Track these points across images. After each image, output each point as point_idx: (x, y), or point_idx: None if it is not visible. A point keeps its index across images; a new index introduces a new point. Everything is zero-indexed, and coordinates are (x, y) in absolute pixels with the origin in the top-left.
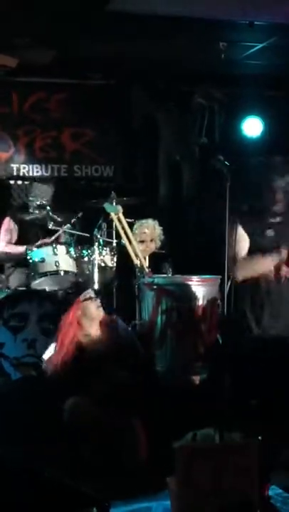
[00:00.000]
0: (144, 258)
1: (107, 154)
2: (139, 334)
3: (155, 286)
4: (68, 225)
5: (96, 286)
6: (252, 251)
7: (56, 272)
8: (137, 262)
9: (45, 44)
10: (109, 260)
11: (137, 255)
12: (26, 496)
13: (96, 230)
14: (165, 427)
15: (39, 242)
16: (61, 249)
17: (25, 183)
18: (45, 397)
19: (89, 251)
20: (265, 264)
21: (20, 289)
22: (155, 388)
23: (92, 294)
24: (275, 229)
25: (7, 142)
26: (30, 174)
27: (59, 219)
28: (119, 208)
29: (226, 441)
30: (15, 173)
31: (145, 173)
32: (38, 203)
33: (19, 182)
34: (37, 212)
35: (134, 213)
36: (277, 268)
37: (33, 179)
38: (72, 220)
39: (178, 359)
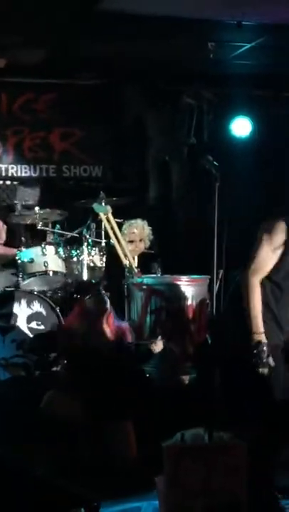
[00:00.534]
0: (133, 258)
1: (96, 154)
2: None
3: (144, 286)
4: (57, 225)
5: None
6: None
7: (45, 273)
8: (126, 262)
9: (34, 44)
10: (99, 260)
11: (126, 255)
12: (14, 496)
13: (85, 230)
14: (154, 427)
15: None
16: (50, 249)
17: (14, 183)
18: (34, 398)
19: (78, 251)
20: None
21: (9, 289)
22: (145, 387)
23: (93, 290)
24: None
25: None
26: (19, 174)
27: (48, 219)
28: (108, 208)
29: (214, 441)
30: (3, 174)
31: (134, 173)
32: (24, 203)
33: (8, 182)
34: (26, 212)
35: (123, 213)
36: None
37: (18, 181)
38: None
39: (167, 359)
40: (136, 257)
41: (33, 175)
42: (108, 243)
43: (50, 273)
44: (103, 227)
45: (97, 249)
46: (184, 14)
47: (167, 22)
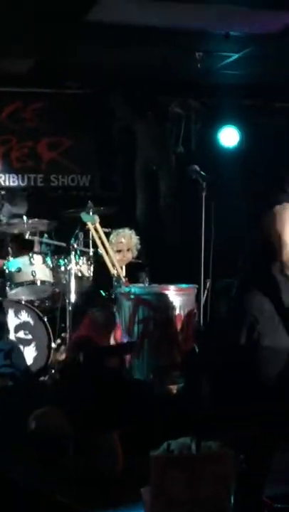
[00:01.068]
0: (121, 267)
1: (84, 164)
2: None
3: (132, 296)
4: (45, 234)
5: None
6: None
7: (33, 282)
8: (113, 271)
9: (22, 53)
10: (86, 270)
11: (113, 265)
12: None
13: (73, 239)
14: (141, 436)
15: None
16: (38, 258)
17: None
18: (21, 407)
19: (66, 260)
20: None
21: None
22: (135, 397)
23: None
24: None
25: None
26: (7, 184)
27: (36, 229)
28: (96, 218)
29: (201, 450)
30: None
31: (122, 182)
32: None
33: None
34: (14, 221)
35: (110, 222)
36: None
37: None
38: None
39: (155, 368)
40: (124, 267)
41: (21, 184)
42: (96, 253)
43: (38, 282)
44: (91, 236)
45: (84, 258)
46: (172, 24)
47: (155, 32)
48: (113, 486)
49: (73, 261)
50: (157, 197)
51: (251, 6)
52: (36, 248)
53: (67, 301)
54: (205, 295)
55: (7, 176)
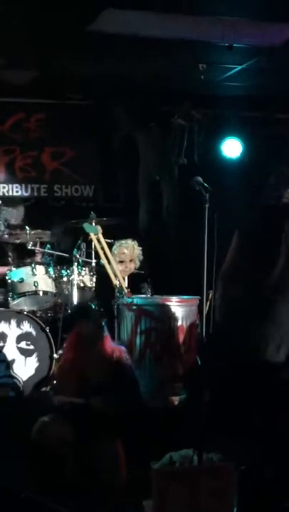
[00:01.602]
0: (124, 278)
1: (87, 174)
2: None
3: (134, 307)
4: (48, 245)
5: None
6: None
7: (35, 292)
8: (116, 282)
9: (25, 64)
10: (89, 280)
11: (116, 275)
12: None
13: (75, 250)
14: (143, 448)
15: None
16: (40, 269)
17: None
18: (23, 418)
19: (68, 271)
20: None
21: None
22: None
23: (93, 316)
24: None
25: None
26: (10, 194)
27: (38, 239)
28: (99, 229)
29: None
30: None
31: (125, 193)
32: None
33: None
34: (17, 232)
35: (113, 233)
36: None
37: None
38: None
39: (157, 379)
40: (126, 278)
41: (25, 194)
42: (98, 263)
43: (40, 293)
44: (93, 247)
45: (87, 269)
46: (175, 36)
47: (158, 43)
48: (115, 497)
49: (76, 271)
50: (160, 208)
51: (254, 18)
52: (38, 258)
53: (69, 311)
54: (207, 306)
55: (10, 186)
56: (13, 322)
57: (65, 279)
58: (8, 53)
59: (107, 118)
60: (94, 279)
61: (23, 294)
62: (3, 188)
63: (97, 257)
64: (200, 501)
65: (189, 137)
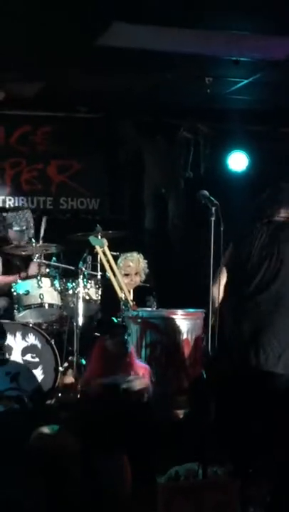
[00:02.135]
0: (129, 291)
1: (93, 187)
2: None
3: (139, 320)
4: (53, 257)
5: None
6: None
7: (41, 305)
8: (121, 295)
9: (33, 77)
10: (94, 293)
11: (121, 288)
12: None
13: (81, 262)
14: (148, 462)
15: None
16: (46, 281)
17: (3, 214)
18: (28, 431)
19: (74, 284)
20: None
21: (4, 321)
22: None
23: (116, 332)
24: None
25: None
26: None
27: (44, 251)
28: (105, 242)
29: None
30: (0, 205)
31: (131, 206)
32: (18, 228)
33: (4, 214)
34: (22, 244)
35: (119, 246)
36: None
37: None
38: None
39: (162, 393)
40: (131, 290)
41: (31, 206)
42: (104, 276)
43: (46, 305)
44: (99, 260)
45: (92, 282)
46: (182, 50)
47: (165, 57)
48: (119, 511)
49: (81, 284)
50: (166, 221)
51: (261, 32)
52: (44, 271)
53: (74, 324)
54: (213, 320)
55: (16, 198)
56: (19, 334)
57: (70, 291)
58: (16, 66)
59: (114, 131)
60: (99, 292)
61: (28, 307)
62: (9, 200)
63: (103, 269)
64: None
65: (195, 150)
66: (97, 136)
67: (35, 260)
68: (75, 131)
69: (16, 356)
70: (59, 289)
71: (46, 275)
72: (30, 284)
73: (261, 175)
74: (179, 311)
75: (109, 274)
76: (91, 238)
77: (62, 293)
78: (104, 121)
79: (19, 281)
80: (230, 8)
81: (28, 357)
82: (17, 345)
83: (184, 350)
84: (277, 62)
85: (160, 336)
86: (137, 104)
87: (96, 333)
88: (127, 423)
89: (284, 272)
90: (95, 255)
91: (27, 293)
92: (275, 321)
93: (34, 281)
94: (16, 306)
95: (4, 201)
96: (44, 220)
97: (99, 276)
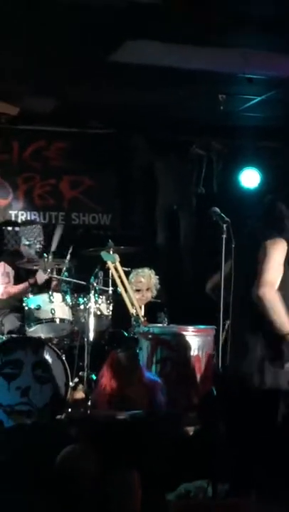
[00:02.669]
0: (140, 307)
1: (105, 203)
2: None
3: (150, 336)
4: (65, 272)
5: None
6: None
7: (52, 320)
8: (132, 310)
9: (46, 93)
10: (105, 309)
11: (132, 304)
12: None
13: (92, 278)
14: (158, 478)
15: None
16: (57, 296)
17: (16, 228)
18: (38, 446)
19: (85, 299)
20: None
21: (15, 336)
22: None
23: (129, 346)
24: None
25: (6, 189)
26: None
27: (56, 266)
28: (116, 257)
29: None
30: (13, 220)
31: (142, 221)
32: (26, 242)
33: (17, 228)
34: (34, 256)
35: (130, 262)
36: None
37: (19, 224)
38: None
39: (172, 409)
40: (143, 306)
41: (43, 221)
42: (115, 291)
43: (57, 320)
44: (110, 275)
45: (104, 297)
46: (196, 67)
47: (179, 73)
48: None
49: (92, 299)
50: (177, 237)
51: (274, 50)
52: (55, 286)
53: (85, 339)
54: (224, 336)
55: (28, 213)
56: (30, 349)
57: (82, 306)
58: (30, 81)
59: (126, 147)
60: (111, 308)
61: (39, 321)
62: (22, 215)
63: (114, 285)
64: None
65: (208, 167)
66: (109, 152)
67: (41, 272)
68: (87, 147)
69: (26, 371)
70: (70, 304)
71: (58, 290)
72: (41, 299)
73: (273, 192)
74: (190, 328)
75: (120, 289)
76: (103, 254)
77: (74, 308)
78: (116, 137)
79: (30, 295)
80: (244, 26)
81: (39, 372)
82: (28, 359)
83: (194, 367)
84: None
85: (171, 352)
86: (150, 120)
87: (107, 347)
88: (137, 440)
89: None
90: (106, 271)
91: (38, 308)
92: None
93: (45, 296)
94: (27, 320)
95: (17, 216)
96: (59, 228)
97: (110, 292)
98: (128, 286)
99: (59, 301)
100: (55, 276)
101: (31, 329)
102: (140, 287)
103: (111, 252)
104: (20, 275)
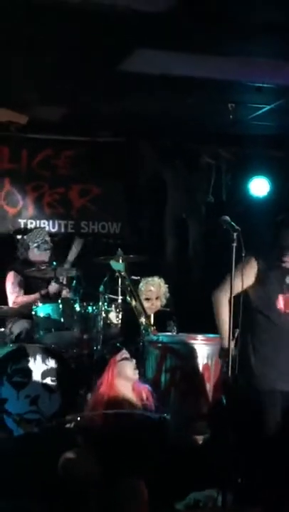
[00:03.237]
0: (149, 316)
1: (114, 211)
2: None
3: (160, 344)
4: (74, 281)
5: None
6: None
7: (61, 328)
8: (142, 319)
9: (55, 102)
10: (115, 317)
11: (142, 313)
12: None
13: (102, 286)
14: (167, 487)
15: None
16: (66, 305)
17: (25, 237)
18: (47, 454)
19: (94, 307)
20: None
21: (25, 344)
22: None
23: (128, 355)
24: None
25: (16, 197)
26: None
27: (65, 275)
28: (126, 265)
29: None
30: (22, 228)
31: (151, 230)
32: (35, 245)
33: (25, 237)
34: (43, 258)
35: (140, 270)
36: None
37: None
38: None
39: (181, 418)
40: (152, 315)
41: (52, 230)
42: (124, 300)
43: (66, 329)
44: (120, 284)
45: (113, 306)
46: (204, 75)
47: (187, 82)
48: None
49: (102, 308)
50: (187, 245)
51: (284, 58)
52: (65, 294)
53: (94, 348)
54: (233, 345)
55: (38, 221)
56: (39, 358)
57: (91, 315)
58: (39, 90)
59: (135, 156)
60: (120, 316)
61: (49, 330)
62: (31, 223)
63: (124, 293)
64: None
65: (217, 176)
66: (118, 161)
67: (54, 283)
68: (96, 156)
69: (35, 379)
70: (79, 312)
71: (67, 299)
72: (50, 308)
73: (282, 200)
74: (200, 336)
75: (129, 298)
76: (112, 262)
77: (83, 317)
78: (125, 145)
79: (40, 304)
80: (253, 34)
81: (48, 380)
82: (37, 368)
83: (203, 376)
84: None
85: (180, 361)
86: (159, 129)
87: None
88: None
89: None
90: (115, 279)
91: (47, 316)
92: None
93: (55, 304)
94: (37, 329)
95: (26, 224)
96: (79, 241)
97: (119, 301)
98: (137, 295)
99: (68, 310)
100: (65, 284)
101: (40, 337)
102: (150, 296)
103: (120, 261)
104: (30, 284)
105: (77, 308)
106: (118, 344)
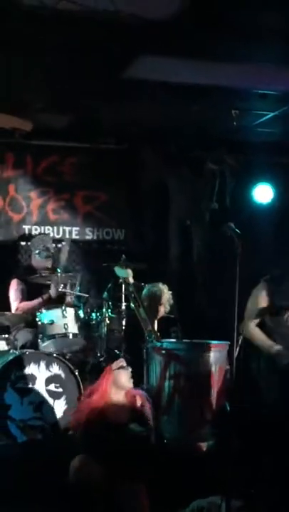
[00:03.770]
0: (154, 322)
1: (119, 218)
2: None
3: (164, 351)
4: (78, 287)
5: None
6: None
7: (65, 335)
8: (145, 326)
9: (60, 109)
10: (118, 323)
11: (146, 320)
12: None
13: (106, 293)
14: (170, 493)
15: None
16: (70, 311)
17: (28, 243)
18: (50, 460)
19: (98, 314)
20: None
21: (29, 350)
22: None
23: (124, 363)
24: None
25: (20, 203)
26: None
27: (70, 281)
28: (130, 272)
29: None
30: (26, 235)
31: (156, 237)
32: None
33: (29, 243)
34: (45, 265)
35: (144, 277)
36: None
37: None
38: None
39: (185, 425)
40: (156, 321)
41: (56, 236)
42: (128, 306)
43: (70, 335)
44: (124, 290)
45: (117, 312)
46: (209, 82)
47: (192, 89)
48: None
49: (106, 314)
50: (191, 252)
51: (288, 65)
52: (69, 300)
53: (98, 354)
54: (237, 351)
55: (42, 227)
56: (43, 364)
57: (95, 321)
58: (44, 97)
59: (140, 162)
60: (124, 322)
61: (52, 336)
62: (35, 230)
63: (128, 300)
64: None
65: (221, 182)
66: (122, 167)
67: (53, 287)
68: (101, 162)
69: (39, 386)
70: (83, 319)
71: (71, 305)
72: (54, 314)
73: (287, 207)
74: (203, 343)
75: (133, 304)
76: (116, 269)
77: (87, 323)
78: (130, 152)
79: (44, 310)
80: (257, 41)
81: (52, 387)
82: (41, 374)
83: (207, 382)
84: None
85: (184, 368)
86: (163, 135)
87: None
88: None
89: None
90: (119, 286)
91: (51, 322)
92: None
93: (59, 310)
94: (41, 335)
95: (30, 230)
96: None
97: (123, 307)
98: (141, 301)
99: (72, 316)
100: (69, 291)
101: (44, 344)
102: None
103: (124, 267)
104: (33, 290)
105: (81, 314)
106: (117, 352)
